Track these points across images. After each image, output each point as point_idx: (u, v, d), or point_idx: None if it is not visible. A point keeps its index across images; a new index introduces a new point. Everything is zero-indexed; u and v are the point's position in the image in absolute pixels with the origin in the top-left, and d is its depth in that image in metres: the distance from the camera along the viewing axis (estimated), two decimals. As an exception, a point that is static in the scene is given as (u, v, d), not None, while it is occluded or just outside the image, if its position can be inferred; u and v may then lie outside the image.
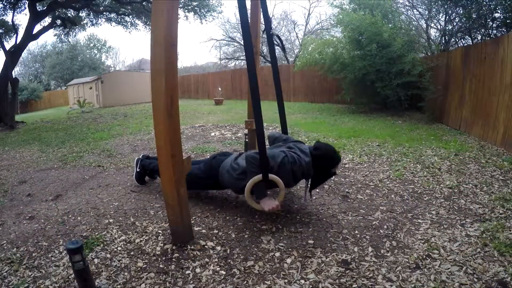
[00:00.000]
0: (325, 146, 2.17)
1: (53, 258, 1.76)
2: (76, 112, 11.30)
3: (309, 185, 2.22)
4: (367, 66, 6.60)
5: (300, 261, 1.67)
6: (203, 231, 2.01)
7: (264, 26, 2.50)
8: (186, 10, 10.66)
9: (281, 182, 1.92)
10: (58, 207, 2.46)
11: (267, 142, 2.41)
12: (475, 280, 1.46)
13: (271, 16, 18.35)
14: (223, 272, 1.60)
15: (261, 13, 2.57)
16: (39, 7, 9.12)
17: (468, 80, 4.66)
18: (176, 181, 1.71)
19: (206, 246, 1.82)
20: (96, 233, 2.01)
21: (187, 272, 1.61)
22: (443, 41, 8.26)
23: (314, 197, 2.47)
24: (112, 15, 11.41)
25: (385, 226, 2.00)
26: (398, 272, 1.55)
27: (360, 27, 6.64)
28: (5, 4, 9.09)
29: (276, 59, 2.65)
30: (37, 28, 9.36)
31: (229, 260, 1.70)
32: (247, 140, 3.33)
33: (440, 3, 7.48)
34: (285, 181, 1.98)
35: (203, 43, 55.60)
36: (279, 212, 2.21)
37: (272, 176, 1.91)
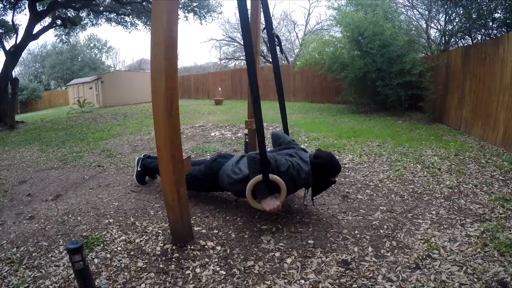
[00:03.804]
0: (326, 154, 2.14)
1: (53, 258, 1.76)
2: (76, 112, 11.30)
3: (308, 194, 2.21)
4: (368, 64, 6.60)
5: (300, 261, 1.67)
6: (203, 231, 2.01)
7: (264, 25, 2.51)
8: (186, 11, 10.66)
9: (282, 182, 1.91)
10: (58, 207, 2.46)
11: (268, 142, 2.41)
12: (475, 280, 1.46)
13: (271, 16, 18.36)
14: (223, 272, 1.60)
15: (262, 13, 2.57)
16: (39, 7, 9.12)
17: (468, 80, 4.66)
18: (176, 181, 1.71)
19: (206, 246, 1.82)
20: (96, 233, 2.01)
21: (187, 272, 1.61)
22: (443, 41, 8.27)
23: (314, 198, 2.47)
24: (112, 15, 11.41)
25: (385, 226, 2.00)
26: (398, 272, 1.55)
27: (360, 26, 6.64)
28: (5, 4, 9.09)
29: (277, 59, 2.65)
30: (37, 28, 9.36)
31: (229, 260, 1.70)
32: (247, 140, 3.33)
33: (440, 3, 7.48)
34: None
35: (203, 43, 55.64)
36: (279, 212, 2.21)
37: (272, 176, 1.89)
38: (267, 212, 1.99)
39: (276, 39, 2.49)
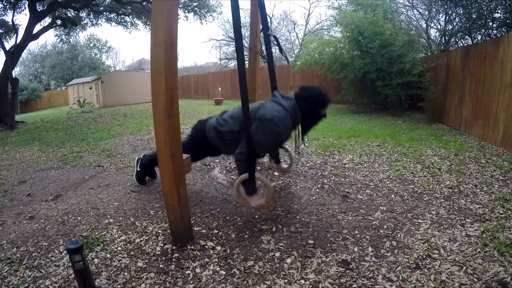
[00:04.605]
0: (312, 86, 2.16)
1: (53, 258, 1.76)
2: (76, 112, 11.30)
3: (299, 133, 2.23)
4: (368, 64, 6.60)
5: (300, 261, 1.67)
6: (203, 231, 2.01)
7: (262, 26, 2.52)
8: (186, 11, 10.66)
9: (268, 183, 1.96)
10: (58, 207, 2.47)
11: None
12: (475, 280, 1.46)
13: (271, 16, 18.37)
14: (223, 272, 1.60)
15: (260, 13, 2.58)
16: (39, 7, 9.12)
17: (468, 80, 4.66)
18: (176, 181, 1.71)
19: (206, 246, 1.82)
20: (96, 233, 2.01)
21: (187, 272, 1.61)
22: (443, 41, 8.27)
23: (314, 197, 2.47)
24: (112, 15, 11.41)
25: (385, 226, 2.00)
26: (398, 272, 1.55)
27: (360, 26, 6.64)
28: (5, 4, 9.09)
29: (273, 61, 2.65)
30: (37, 28, 9.35)
31: (229, 260, 1.70)
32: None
33: (440, 3, 7.49)
34: (278, 145, 2.03)
35: (203, 43, 55.46)
36: (275, 210, 2.22)
37: (258, 177, 1.93)
38: (255, 208, 2.00)
39: (275, 40, 2.50)
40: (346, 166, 3.22)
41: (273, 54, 2.69)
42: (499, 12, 6.14)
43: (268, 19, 17.65)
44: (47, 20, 10.07)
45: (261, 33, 2.64)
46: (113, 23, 11.59)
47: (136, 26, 11.72)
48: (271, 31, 2.49)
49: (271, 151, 2.10)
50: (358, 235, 1.90)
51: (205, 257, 1.73)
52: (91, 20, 11.57)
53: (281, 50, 2.63)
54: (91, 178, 3.15)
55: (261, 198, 1.97)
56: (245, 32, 11.86)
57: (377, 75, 6.63)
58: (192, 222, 2.01)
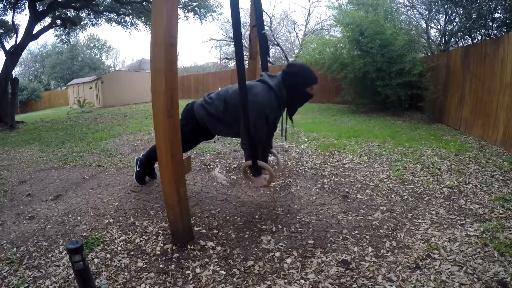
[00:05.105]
0: (299, 63, 2.16)
1: (53, 258, 1.76)
2: (76, 112, 11.30)
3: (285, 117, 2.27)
4: (368, 64, 6.60)
5: (300, 261, 1.67)
6: (203, 231, 2.01)
7: (257, 25, 2.52)
8: (186, 11, 10.67)
9: (269, 167, 2.09)
10: (58, 207, 2.47)
11: None
12: (475, 280, 1.46)
13: (271, 16, 18.36)
14: (223, 272, 1.60)
15: (255, 12, 2.58)
16: (39, 7, 9.13)
17: (468, 80, 4.66)
18: (176, 181, 1.71)
19: (206, 246, 1.82)
20: (96, 233, 2.01)
21: (187, 272, 1.61)
22: (443, 41, 8.26)
23: (314, 197, 2.47)
24: (112, 15, 11.42)
25: (385, 226, 2.00)
26: (398, 272, 1.55)
27: (361, 26, 6.64)
28: (5, 4, 9.10)
29: (267, 60, 2.65)
30: (37, 28, 9.37)
31: (229, 260, 1.70)
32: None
33: (440, 3, 7.48)
34: (270, 123, 2.09)
35: (203, 43, 55.52)
36: (275, 210, 2.22)
37: (261, 163, 2.07)
38: (257, 187, 2.19)
39: (263, 39, 2.50)
40: (346, 166, 3.22)
41: (273, 54, 2.69)
42: (499, 12, 6.14)
43: (268, 19, 17.71)
44: (47, 20, 10.08)
45: (253, 28, 2.64)
46: (113, 23, 11.60)
47: (136, 26, 11.74)
48: (265, 30, 2.49)
49: (266, 131, 2.13)
50: (358, 235, 1.90)
51: (205, 257, 1.73)
52: (91, 20, 11.58)
53: (267, 51, 2.63)
54: (91, 178, 3.15)
55: (264, 180, 2.16)
56: (245, 32, 11.86)
57: (377, 75, 6.63)
58: (192, 222, 2.01)
